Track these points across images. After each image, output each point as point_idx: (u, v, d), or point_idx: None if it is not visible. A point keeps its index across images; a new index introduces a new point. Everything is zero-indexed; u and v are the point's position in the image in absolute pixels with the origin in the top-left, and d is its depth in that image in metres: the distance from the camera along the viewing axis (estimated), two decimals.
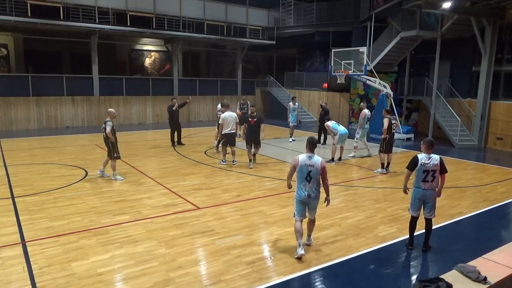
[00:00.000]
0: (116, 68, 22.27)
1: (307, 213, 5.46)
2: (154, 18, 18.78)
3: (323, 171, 5.21)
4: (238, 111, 14.23)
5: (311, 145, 5.29)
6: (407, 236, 5.79)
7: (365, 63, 16.06)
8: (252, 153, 10.73)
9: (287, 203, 7.43)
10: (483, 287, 4.04)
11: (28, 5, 15.73)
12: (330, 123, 11.48)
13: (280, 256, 5.32)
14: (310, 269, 4.98)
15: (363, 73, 16.37)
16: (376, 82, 16.67)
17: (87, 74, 18.85)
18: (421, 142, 5.55)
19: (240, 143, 11.76)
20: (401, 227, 6.41)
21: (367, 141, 12.89)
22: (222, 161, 10.84)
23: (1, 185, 8.43)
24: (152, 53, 24.40)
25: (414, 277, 4.98)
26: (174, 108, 13.33)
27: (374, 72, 17.12)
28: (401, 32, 16.86)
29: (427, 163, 5.34)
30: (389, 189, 8.84)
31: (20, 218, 6.47)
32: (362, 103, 12.73)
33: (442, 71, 17.01)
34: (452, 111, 15.96)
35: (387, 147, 10.16)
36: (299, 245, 5.24)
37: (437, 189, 5.51)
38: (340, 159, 11.45)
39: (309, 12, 22.19)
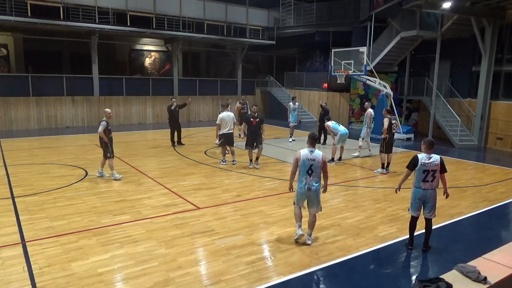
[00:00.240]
0: (116, 68, 22.27)
1: (308, 208, 5.71)
2: (154, 18, 18.78)
3: (324, 165, 5.55)
4: (238, 104, 14.44)
5: (312, 140, 5.63)
6: (407, 236, 5.79)
7: (365, 63, 16.06)
8: (255, 157, 10.47)
9: (287, 203, 7.43)
10: (483, 287, 4.04)
11: (28, 5, 15.72)
12: (331, 123, 11.47)
13: (280, 256, 5.32)
14: (310, 269, 4.98)
15: (363, 73, 16.37)
16: (376, 82, 16.67)
17: (87, 74, 18.84)
18: (422, 142, 5.55)
19: (240, 143, 11.75)
20: (401, 227, 6.41)
21: (369, 141, 12.90)
22: (222, 161, 10.84)
23: (1, 185, 8.43)
24: (152, 53, 24.40)
25: (414, 277, 4.98)
26: (172, 108, 13.34)
27: (374, 72, 17.12)
28: (401, 32, 16.86)
29: (427, 163, 5.34)
30: (389, 189, 8.84)
31: (20, 218, 6.47)
32: (367, 103, 12.78)
33: (442, 71, 17.02)
34: (452, 111, 15.96)
35: (387, 147, 10.16)
36: (298, 227, 5.69)
37: (442, 190, 5.52)
38: (340, 159, 11.45)
39: (309, 12, 22.19)
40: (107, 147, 8.89)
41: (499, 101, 15.14)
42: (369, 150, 12.56)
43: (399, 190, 5.75)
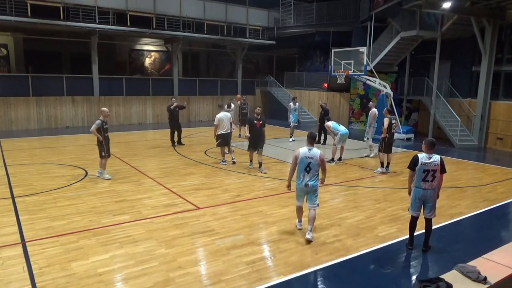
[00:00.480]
0: (116, 68, 22.25)
1: (306, 202, 5.92)
2: (154, 18, 18.78)
3: (322, 163, 5.79)
4: (239, 97, 14.58)
5: (311, 139, 5.92)
6: (407, 236, 5.79)
7: (365, 63, 16.05)
8: (259, 163, 10.23)
9: (287, 203, 7.43)
10: (483, 287, 4.04)
11: (28, 5, 15.72)
12: (331, 123, 11.47)
13: (280, 256, 5.32)
14: (310, 269, 4.98)
15: (363, 73, 16.36)
16: (376, 82, 16.66)
17: (87, 74, 18.84)
18: (423, 142, 5.55)
19: (240, 143, 11.74)
20: (401, 227, 6.41)
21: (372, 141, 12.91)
22: (222, 161, 10.84)
23: (1, 185, 8.43)
24: (152, 53, 24.40)
25: (414, 277, 4.98)
26: (172, 107, 13.34)
27: (374, 72, 17.11)
28: (401, 32, 16.85)
29: (427, 163, 5.34)
30: (389, 189, 8.84)
31: (20, 218, 6.47)
32: (371, 103, 12.86)
33: (442, 71, 17.01)
34: (452, 111, 15.96)
35: (386, 147, 10.16)
36: (299, 221, 6.20)
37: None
38: (340, 159, 11.45)
39: (309, 12, 22.19)
40: (101, 146, 8.94)
41: (499, 101, 15.13)
42: (370, 150, 12.56)
43: (410, 192, 5.64)
